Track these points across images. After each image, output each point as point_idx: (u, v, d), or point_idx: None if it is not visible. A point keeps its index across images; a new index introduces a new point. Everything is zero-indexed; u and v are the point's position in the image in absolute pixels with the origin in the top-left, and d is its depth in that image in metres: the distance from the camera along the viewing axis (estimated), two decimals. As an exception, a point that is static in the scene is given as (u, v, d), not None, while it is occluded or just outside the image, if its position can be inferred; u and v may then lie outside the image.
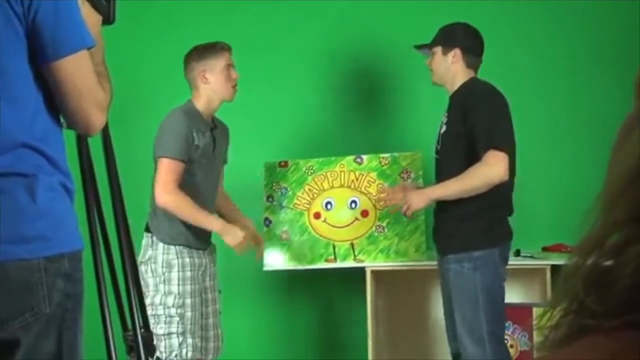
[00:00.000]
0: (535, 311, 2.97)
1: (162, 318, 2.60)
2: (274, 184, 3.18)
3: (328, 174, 3.18)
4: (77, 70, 1.39)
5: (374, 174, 3.14)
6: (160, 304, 2.61)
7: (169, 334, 2.59)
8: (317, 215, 3.13)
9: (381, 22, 3.58)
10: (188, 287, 2.64)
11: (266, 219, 3.16)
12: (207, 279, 2.76)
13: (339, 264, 3.09)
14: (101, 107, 1.46)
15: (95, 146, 1.66)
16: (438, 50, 2.62)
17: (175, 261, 2.64)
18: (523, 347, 3.04)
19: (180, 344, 2.59)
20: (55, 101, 1.42)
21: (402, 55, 3.49)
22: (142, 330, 1.66)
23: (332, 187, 3.16)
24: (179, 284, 2.63)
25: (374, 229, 3.08)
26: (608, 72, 3.40)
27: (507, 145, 2.43)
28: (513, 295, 3.03)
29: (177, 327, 2.59)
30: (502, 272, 2.51)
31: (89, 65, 1.42)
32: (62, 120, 1.47)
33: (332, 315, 3.64)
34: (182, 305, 2.62)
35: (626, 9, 3.37)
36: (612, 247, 0.44)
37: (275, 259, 3.12)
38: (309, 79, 3.63)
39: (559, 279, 0.47)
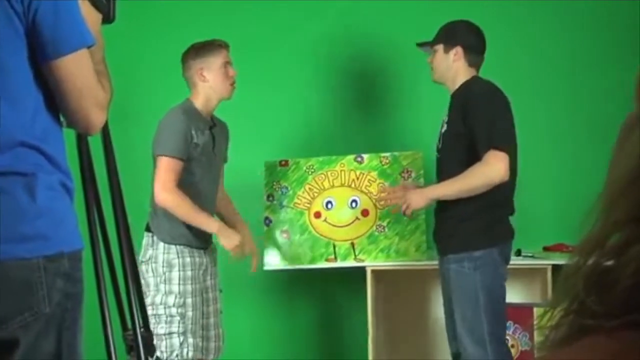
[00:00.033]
0: (536, 311, 2.97)
1: (163, 318, 2.60)
2: (275, 183, 3.18)
3: (328, 173, 3.18)
4: (77, 69, 1.39)
5: (374, 173, 3.14)
6: (161, 304, 2.61)
7: (170, 333, 2.59)
8: (317, 215, 3.13)
9: (381, 21, 3.58)
10: (189, 287, 2.64)
11: (266, 218, 3.16)
12: (208, 278, 2.76)
13: (339, 264, 3.09)
14: (101, 106, 1.46)
15: (95, 145, 1.66)
16: (440, 48, 2.60)
17: (176, 260, 2.64)
18: (524, 347, 3.04)
19: (181, 344, 2.59)
20: (55, 100, 1.42)
21: (403, 54, 3.49)
22: (142, 330, 1.66)
23: (333, 186, 3.16)
24: (179, 284, 2.63)
25: (374, 228, 3.08)
26: (609, 72, 3.39)
27: (508, 145, 2.42)
28: (514, 295, 3.03)
29: (178, 327, 2.59)
30: (503, 271, 2.51)
31: (89, 64, 1.42)
32: (62, 119, 1.47)
33: (332, 314, 3.64)
34: (183, 305, 2.62)
35: (627, 9, 3.37)
36: (613, 247, 0.44)
37: (276, 259, 3.13)
38: (310, 78, 3.63)
39: (560, 279, 0.47)
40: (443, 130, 2.60)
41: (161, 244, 2.64)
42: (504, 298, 2.52)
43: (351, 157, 3.19)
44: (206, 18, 3.58)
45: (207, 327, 2.75)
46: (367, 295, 3.04)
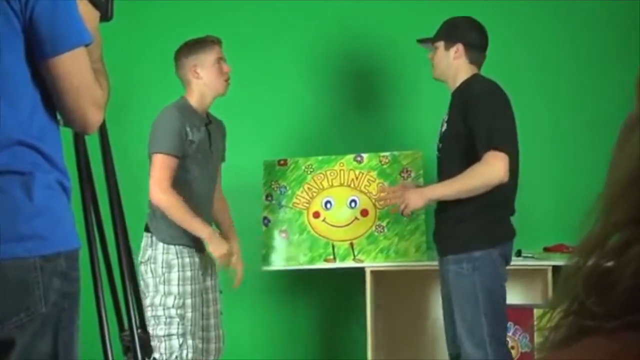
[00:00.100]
0: (537, 312, 2.98)
1: (162, 319, 2.59)
2: (273, 183, 3.18)
3: (327, 172, 3.18)
4: (74, 68, 1.39)
5: (374, 173, 3.14)
6: (160, 305, 2.60)
7: (169, 335, 2.58)
8: (316, 215, 3.14)
9: (381, 20, 3.58)
10: (188, 288, 2.64)
11: (265, 218, 3.16)
12: (208, 279, 2.76)
13: (338, 264, 3.09)
14: (98, 104, 1.46)
15: (93, 144, 1.66)
16: (440, 45, 2.59)
17: (175, 261, 2.63)
18: (524, 349, 3.05)
19: (180, 346, 2.58)
20: (52, 99, 1.43)
21: (403, 52, 3.49)
22: (139, 331, 1.66)
23: (332, 186, 3.16)
24: (179, 285, 2.62)
25: (373, 228, 3.08)
26: (610, 71, 3.40)
27: (508, 145, 2.41)
28: (514, 296, 3.03)
29: (177, 329, 2.59)
30: (503, 272, 2.50)
31: (86, 62, 1.42)
32: (59, 118, 1.47)
33: (332, 315, 3.65)
34: (182, 306, 2.61)
35: (628, 9, 3.37)
36: (613, 248, 0.44)
37: (274, 259, 3.13)
38: (309, 77, 3.64)
39: (559, 280, 0.47)
40: (443, 130, 2.59)
41: (160, 245, 2.64)
42: (504, 299, 2.51)
43: (350, 156, 3.19)
44: (204, 17, 3.58)
45: (207, 329, 2.75)
46: (366, 296, 3.04)
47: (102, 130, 1.66)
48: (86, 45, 1.42)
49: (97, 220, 1.64)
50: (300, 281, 3.58)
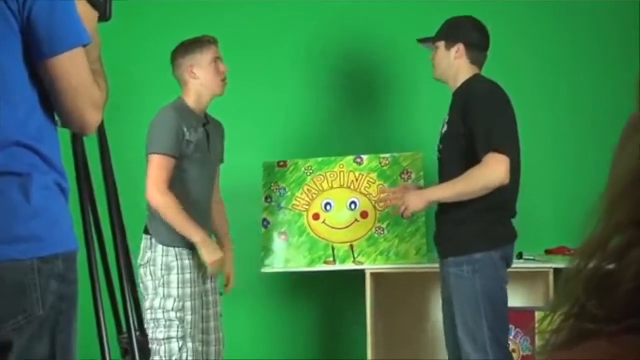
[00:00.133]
0: (538, 315, 2.97)
1: (162, 322, 2.59)
2: (273, 185, 3.18)
3: (327, 174, 3.18)
4: (72, 68, 1.39)
5: (374, 175, 3.14)
6: (159, 308, 2.60)
7: (169, 338, 2.58)
8: (316, 217, 3.13)
9: (381, 20, 3.58)
10: (188, 290, 2.63)
11: (264, 220, 3.16)
12: (208, 281, 2.76)
13: (338, 267, 3.09)
14: (97, 105, 1.46)
15: (91, 145, 1.66)
16: (441, 45, 2.58)
17: (175, 263, 2.63)
18: (525, 352, 3.04)
19: (180, 349, 2.58)
20: (50, 99, 1.42)
21: (403, 53, 3.49)
22: (138, 334, 1.66)
23: (332, 187, 3.16)
24: (178, 287, 2.62)
25: (374, 230, 3.07)
26: (610, 72, 3.40)
27: (508, 146, 2.40)
28: (515, 299, 3.03)
29: (177, 332, 2.58)
30: (504, 275, 2.49)
31: (84, 62, 1.42)
32: (56, 118, 1.47)
33: (332, 317, 3.64)
34: (182, 309, 2.60)
35: (629, 9, 3.37)
36: (614, 250, 0.44)
37: (274, 261, 3.12)
38: (309, 78, 3.64)
39: (560, 283, 0.47)
40: (444, 131, 2.59)
41: (160, 247, 2.64)
42: (506, 302, 2.50)
43: (350, 158, 3.19)
44: (202, 17, 3.58)
45: (207, 331, 2.74)
46: (366, 299, 3.03)
47: (101, 131, 1.66)
48: (84, 46, 1.42)
49: (95, 222, 1.64)
50: (300, 283, 3.57)
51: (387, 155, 3.16)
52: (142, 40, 3.64)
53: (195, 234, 2.62)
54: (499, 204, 2.46)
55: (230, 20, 3.60)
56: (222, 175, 2.96)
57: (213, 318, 2.76)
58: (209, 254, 2.63)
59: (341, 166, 3.17)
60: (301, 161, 3.21)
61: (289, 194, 3.16)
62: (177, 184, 2.63)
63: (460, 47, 2.55)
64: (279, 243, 3.13)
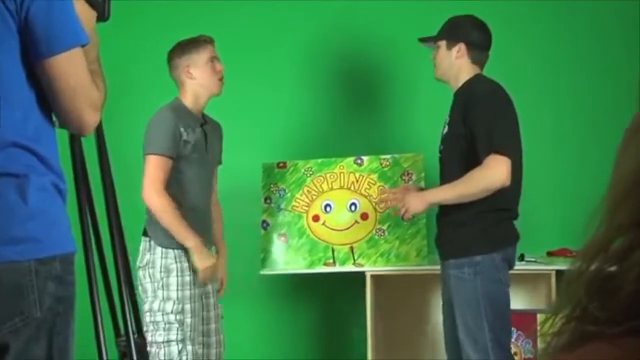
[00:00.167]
0: (540, 318, 2.97)
1: (161, 325, 2.58)
2: (272, 186, 3.18)
3: (327, 175, 3.18)
4: (70, 68, 1.39)
5: (374, 176, 3.14)
6: (158, 311, 2.59)
7: (168, 341, 2.57)
8: (315, 218, 3.13)
9: (381, 20, 3.58)
10: (187, 292, 2.63)
11: (264, 221, 3.16)
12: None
13: (337, 268, 3.09)
14: (95, 106, 1.46)
15: (89, 146, 1.66)
16: (442, 44, 2.57)
17: (174, 265, 2.63)
18: (527, 355, 3.04)
19: (179, 352, 2.57)
20: (47, 100, 1.42)
21: (404, 53, 3.50)
22: (136, 336, 1.66)
23: (332, 188, 3.16)
24: (177, 289, 2.61)
25: (374, 232, 3.07)
26: (613, 72, 3.40)
27: (509, 147, 2.39)
28: (517, 301, 3.03)
29: (177, 335, 2.58)
30: (506, 277, 2.49)
31: (82, 63, 1.42)
32: (54, 119, 1.47)
33: (332, 319, 3.64)
34: (182, 312, 2.60)
35: (631, 9, 3.38)
36: (616, 252, 0.44)
37: (273, 263, 3.12)
38: (308, 78, 3.64)
39: (562, 285, 0.47)
40: (444, 132, 2.59)
41: (159, 249, 2.63)
42: (508, 304, 2.49)
43: (350, 159, 3.19)
44: (201, 17, 3.59)
45: (207, 333, 2.74)
46: (366, 301, 3.03)
47: (99, 131, 1.66)
48: (83, 46, 1.42)
49: (93, 223, 1.64)
50: (300, 285, 3.57)
51: (388, 156, 3.16)
52: (141, 40, 3.64)
53: (188, 239, 2.60)
54: (500, 205, 2.46)
55: (230, 20, 3.60)
56: (221, 176, 2.96)
57: (213, 320, 2.76)
58: (201, 261, 2.61)
59: (341, 167, 3.17)
60: (301, 162, 3.21)
61: (289, 195, 3.16)
62: (174, 185, 2.64)
63: (461, 47, 2.54)
64: (278, 245, 3.13)
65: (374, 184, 3.12)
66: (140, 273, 2.64)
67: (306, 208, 3.15)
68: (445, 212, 2.55)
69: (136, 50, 3.64)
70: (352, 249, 3.08)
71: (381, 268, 3.05)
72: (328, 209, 3.14)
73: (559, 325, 0.45)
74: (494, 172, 2.36)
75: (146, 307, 2.60)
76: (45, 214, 1.39)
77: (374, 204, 3.08)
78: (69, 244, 1.44)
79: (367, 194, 3.12)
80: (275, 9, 3.62)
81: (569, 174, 3.45)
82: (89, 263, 1.59)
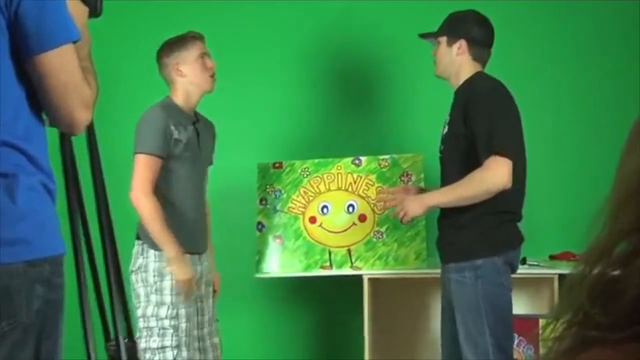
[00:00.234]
0: (542, 323, 2.98)
1: (155, 331, 2.57)
2: (268, 186, 3.18)
3: (324, 176, 3.18)
4: (61, 65, 1.39)
5: (372, 177, 3.14)
6: (152, 316, 2.58)
7: (163, 347, 2.56)
8: (312, 220, 3.14)
9: (379, 19, 3.59)
10: (181, 297, 2.62)
11: (259, 223, 3.16)
12: (203, 286, 2.74)
13: (334, 272, 3.09)
14: (86, 104, 1.45)
15: (79, 145, 1.66)
16: (443, 40, 2.56)
17: (168, 269, 2.62)
18: (528, 361, 3.04)
19: (175, 358, 2.57)
20: (38, 97, 1.42)
21: (402, 52, 3.50)
22: (126, 340, 1.66)
23: (329, 190, 3.16)
24: (171, 294, 2.60)
25: (372, 234, 3.08)
26: (614, 72, 3.41)
27: (511, 148, 2.38)
28: (519, 305, 3.03)
29: (171, 340, 2.57)
30: (508, 280, 2.48)
31: (74, 59, 1.42)
32: (44, 117, 1.47)
33: (328, 323, 3.65)
34: (176, 316, 2.59)
35: (632, 8, 3.39)
36: (620, 256, 0.44)
37: (268, 266, 3.12)
38: (306, 78, 3.64)
39: (564, 289, 0.47)
40: (444, 132, 2.58)
41: (152, 252, 2.62)
42: (510, 308, 2.48)
43: (348, 159, 3.19)
44: (196, 16, 3.58)
45: (202, 338, 2.73)
46: (364, 305, 3.04)
47: (90, 130, 1.66)
48: (74, 42, 1.42)
49: (83, 225, 1.64)
50: (296, 288, 3.58)
51: (387, 157, 3.16)
52: (133, 37, 3.64)
53: (169, 247, 2.58)
54: (501, 207, 2.45)
55: (226, 19, 3.60)
56: (215, 176, 2.96)
57: (208, 324, 2.75)
58: (180, 272, 2.58)
59: (339, 167, 3.18)
60: (297, 162, 3.22)
61: (285, 196, 3.16)
62: (165, 185, 2.63)
63: (462, 43, 2.53)
64: (273, 247, 3.13)
65: (372, 185, 3.12)
66: (133, 277, 2.63)
67: (302, 209, 3.15)
68: (446, 215, 2.55)
69: (129, 48, 3.64)
70: (349, 251, 3.08)
71: (379, 271, 3.06)
72: (325, 210, 3.14)
73: (560, 330, 0.46)
74: (494, 174, 2.35)
75: (139, 312, 2.59)
76: (35, 215, 1.39)
77: (372, 205, 3.09)
78: (59, 245, 1.44)
79: (365, 195, 3.12)
80: (272, 8, 3.62)
81: (571, 175, 3.46)
82: (79, 265, 1.59)
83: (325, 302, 3.60)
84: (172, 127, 2.63)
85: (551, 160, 3.46)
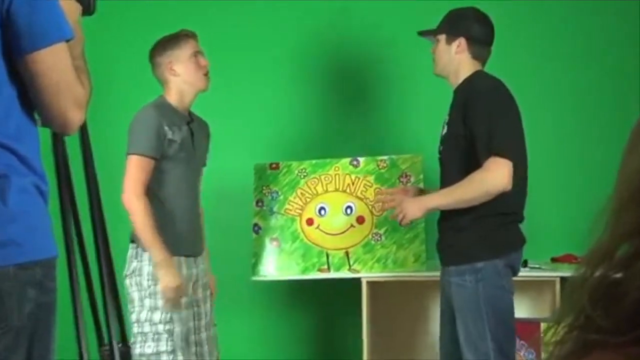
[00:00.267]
0: (543, 326, 2.98)
1: (150, 336, 2.56)
2: (264, 188, 3.18)
3: (322, 177, 3.18)
4: (54, 64, 1.39)
5: (371, 178, 3.14)
6: (146, 321, 2.56)
7: (158, 353, 2.55)
8: (309, 222, 3.13)
9: (378, 19, 3.59)
10: None
11: (255, 225, 3.15)
12: (199, 290, 2.74)
13: (332, 275, 3.09)
14: (79, 103, 1.45)
15: (72, 145, 1.65)
16: (442, 38, 2.55)
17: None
18: (529, 365, 3.05)
19: None
20: (30, 97, 1.42)
21: (401, 52, 3.50)
22: (120, 345, 1.66)
23: (326, 191, 3.16)
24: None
25: (370, 236, 3.08)
26: (615, 71, 3.42)
27: (511, 148, 2.36)
28: (520, 309, 3.03)
29: (167, 345, 2.55)
30: (509, 283, 2.48)
31: (67, 58, 1.41)
32: (37, 117, 1.47)
33: (326, 327, 3.65)
34: (170, 321, 2.57)
35: (633, 8, 3.40)
36: (622, 259, 0.44)
37: (265, 269, 3.12)
38: (303, 77, 3.64)
39: (566, 292, 0.47)
40: (444, 132, 2.58)
41: (146, 255, 2.60)
42: (512, 311, 2.47)
43: (346, 160, 3.19)
44: (189, 15, 3.58)
45: (200, 343, 2.72)
46: (362, 308, 3.03)
47: (83, 130, 1.66)
48: (67, 41, 1.42)
49: (76, 227, 1.64)
50: (294, 291, 3.58)
51: (385, 158, 3.16)
52: (127, 36, 3.64)
53: (157, 252, 2.55)
54: (502, 209, 2.44)
55: (222, 19, 3.60)
56: (211, 177, 2.96)
57: (205, 328, 2.74)
58: (166, 280, 2.54)
59: (336, 168, 3.17)
60: (294, 163, 3.21)
61: (281, 197, 3.16)
62: (158, 185, 2.62)
63: (461, 41, 2.52)
64: (270, 249, 3.13)
65: (370, 186, 3.12)
66: (127, 282, 2.62)
67: (300, 211, 3.15)
68: (446, 217, 2.55)
69: (122, 47, 3.63)
70: (347, 254, 3.08)
71: (378, 274, 3.06)
72: (322, 212, 3.14)
73: (561, 334, 0.46)
74: (494, 175, 2.34)
75: (133, 317, 2.58)
76: (27, 217, 1.39)
77: (370, 207, 3.08)
78: (51, 248, 1.44)
79: (363, 197, 3.12)
80: (269, 7, 3.62)
81: (572, 176, 3.47)
82: (72, 268, 1.59)
83: (324, 305, 3.60)
84: (166, 128, 2.63)
85: (552, 161, 3.46)
